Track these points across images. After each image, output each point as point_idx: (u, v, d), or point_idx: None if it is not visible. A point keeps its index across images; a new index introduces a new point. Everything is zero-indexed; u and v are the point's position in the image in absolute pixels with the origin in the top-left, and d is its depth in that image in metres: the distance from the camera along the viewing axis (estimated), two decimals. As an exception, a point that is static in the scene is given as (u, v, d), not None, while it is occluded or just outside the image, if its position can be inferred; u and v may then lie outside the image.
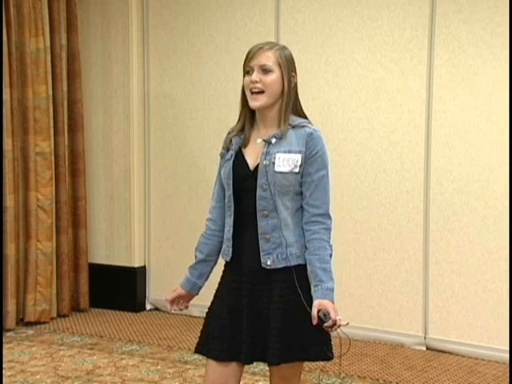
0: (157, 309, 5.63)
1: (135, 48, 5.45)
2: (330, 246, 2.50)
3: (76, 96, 5.44)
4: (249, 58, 2.52)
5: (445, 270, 4.60)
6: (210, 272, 2.71)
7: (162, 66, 5.46)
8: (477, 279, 4.49)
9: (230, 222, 2.56)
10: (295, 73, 2.56)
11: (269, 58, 2.49)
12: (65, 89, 5.37)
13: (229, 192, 2.55)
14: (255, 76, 2.49)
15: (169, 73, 5.43)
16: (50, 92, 5.20)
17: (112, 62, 5.51)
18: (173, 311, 2.86)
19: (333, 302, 2.43)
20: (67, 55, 5.40)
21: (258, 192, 2.48)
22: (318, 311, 2.40)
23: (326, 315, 2.37)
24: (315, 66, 4.85)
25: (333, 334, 2.45)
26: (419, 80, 4.58)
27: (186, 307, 2.78)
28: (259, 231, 2.50)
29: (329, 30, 4.81)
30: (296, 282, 2.45)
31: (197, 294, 2.74)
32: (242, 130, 2.59)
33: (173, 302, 2.75)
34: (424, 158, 4.61)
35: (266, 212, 2.48)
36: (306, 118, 2.58)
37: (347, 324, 2.41)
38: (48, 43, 5.16)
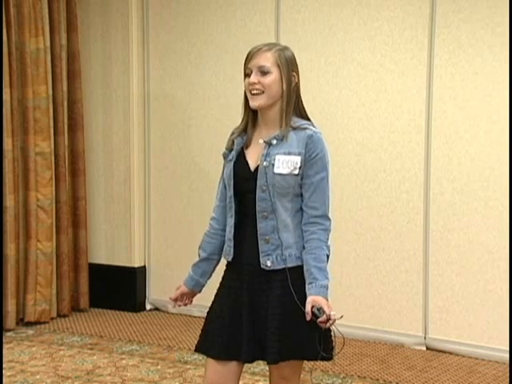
0: (157, 309, 5.63)
1: (135, 48, 5.45)
2: (328, 246, 2.51)
3: (76, 96, 5.44)
4: (248, 59, 2.53)
5: (445, 270, 4.60)
6: (213, 270, 2.73)
7: (162, 66, 5.46)
8: (477, 279, 4.49)
9: (231, 222, 2.58)
10: (297, 73, 2.56)
11: (267, 59, 2.50)
12: (65, 89, 5.37)
13: (230, 193, 2.57)
14: (253, 78, 2.50)
15: (169, 73, 5.44)
16: (50, 92, 5.20)
17: (112, 62, 5.51)
18: (176, 307, 2.88)
19: (327, 300, 2.44)
20: (67, 55, 5.40)
21: (258, 193, 2.50)
22: (312, 307, 2.41)
23: (320, 310, 2.39)
24: (315, 66, 4.85)
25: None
26: (419, 80, 4.58)
27: (191, 302, 2.81)
28: (259, 232, 2.51)
29: (329, 30, 4.81)
30: (290, 283, 2.46)
31: (200, 291, 2.77)
32: (245, 130, 2.60)
33: (176, 299, 2.79)
34: (424, 158, 4.61)
35: (265, 213, 2.50)
36: (308, 119, 2.58)
37: (341, 317, 2.42)
38: (48, 43, 5.16)
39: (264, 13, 5.02)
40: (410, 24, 4.58)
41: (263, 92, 2.50)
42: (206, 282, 2.74)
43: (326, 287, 2.46)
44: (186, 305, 2.81)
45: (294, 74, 2.55)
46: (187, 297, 2.78)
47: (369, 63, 4.72)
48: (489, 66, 4.37)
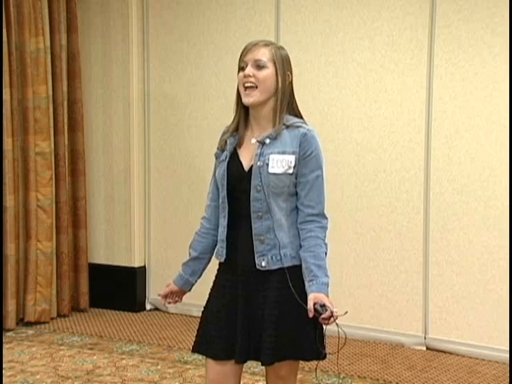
0: (157, 309, 5.63)
1: (135, 48, 5.45)
2: (326, 244, 2.49)
3: (76, 96, 5.44)
4: (244, 53, 2.51)
5: (445, 270, 4.60)
6: (203, 270, 2.71)
7: (161, 66, 5.46)
8: (477, 279, 4.49)
9: (224, 222, 2.55)
10: (291, 72, 2.54)
11: (264, 54, 2.48)
12: (65, 89, 5.37)
13: (223, 193, 2.54)
14: (248, 70, 2.47)
15: (169, 73, 5.43)
16: (50, 92, 5.20)
17: (112, 62, 5.51)
18: (167, 305, 2.87)
19: (327, 297, 2.42)
20: (67, 55, 5.40)
21: (252, 193, 2.48)
22: (314, 304, 2.38)
23: (323, 307, 2.36)
24: (315, 66, 4.85)
25: (330, 329, 2.44)
26: (419, 80, 4.58)
27: (181, 300, 2.80)
28: (253, 232, 2.49)
29: (329, 30, 4.81)
30: (290, 283, 2.44)
31: (189, 290, 2.76)
32: (237, 129, 2.57)
33: (166, 296, 2.78)
34: (424, 158, 4.61)
35: (260, 213, 2.48)
36: (301, 117, 2.56)
37: (345, 313, 2.40)
38: (48, 43, 5.16)
39: (264, 13, 5.02)
40: (410, 24, 4.58)
41: (256, 87, 2.47)
42: (195, 281, 2.72)
43: (327, 285, 2.44)
44: (175, 302, 2.80)
45: (289, 73, 2.53)
46: (177, 295, 2.77)
47: (369, 63, 4.72)
48: (489, 65, 4.37)
